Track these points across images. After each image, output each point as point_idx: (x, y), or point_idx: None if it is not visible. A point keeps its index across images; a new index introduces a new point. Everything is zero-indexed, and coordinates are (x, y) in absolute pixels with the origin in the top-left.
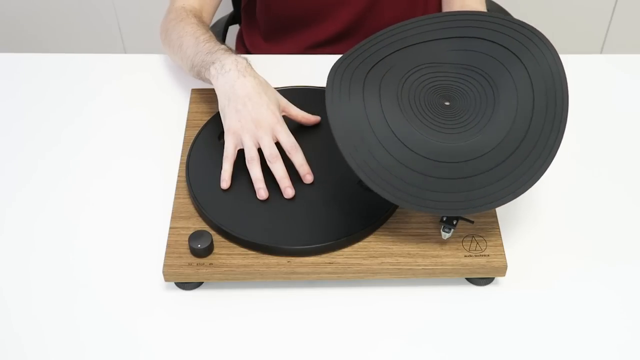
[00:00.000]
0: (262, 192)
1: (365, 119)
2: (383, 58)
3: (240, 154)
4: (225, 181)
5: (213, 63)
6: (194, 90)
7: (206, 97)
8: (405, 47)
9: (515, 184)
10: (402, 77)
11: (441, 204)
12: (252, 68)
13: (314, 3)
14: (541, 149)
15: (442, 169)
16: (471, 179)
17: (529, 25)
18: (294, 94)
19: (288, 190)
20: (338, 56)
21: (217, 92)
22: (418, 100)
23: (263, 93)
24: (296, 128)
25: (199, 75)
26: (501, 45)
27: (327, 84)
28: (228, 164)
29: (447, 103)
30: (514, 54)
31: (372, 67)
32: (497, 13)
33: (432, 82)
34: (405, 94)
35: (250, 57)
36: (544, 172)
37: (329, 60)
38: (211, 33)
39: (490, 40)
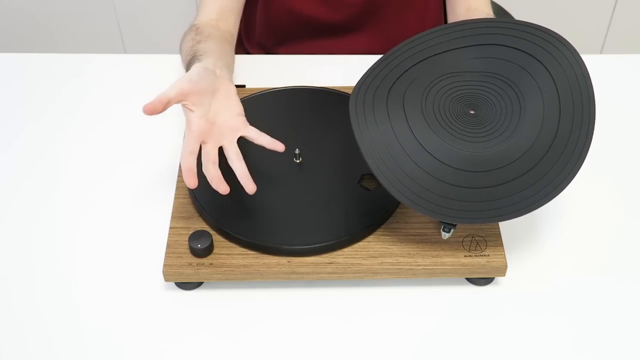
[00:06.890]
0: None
1: (392, 135)
2: (403, 73)
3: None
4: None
5: None
6: None
7: None
8: (423, 60)
9: (548, 187)
10: (425, 89)
11: (477, 214)
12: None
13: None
14: (572, 151)
15: (475, 178)
16: (504, 185)
17: (544, 27)
18: (294, 94)
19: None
20: (338, 56)
21: None
22: (443, 111)
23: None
24: (297, 128)
25: None
26: (520, 50)
27: (350, 104)
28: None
29: (472, 112)
30: (534, 57)
31: (394, 83)
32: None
33: (455, 91)
34: (430, 106)
35: (249, 57)
36: (576, 173)
37: (329, 60)
38: (200, 39)
39: (508, 46)
